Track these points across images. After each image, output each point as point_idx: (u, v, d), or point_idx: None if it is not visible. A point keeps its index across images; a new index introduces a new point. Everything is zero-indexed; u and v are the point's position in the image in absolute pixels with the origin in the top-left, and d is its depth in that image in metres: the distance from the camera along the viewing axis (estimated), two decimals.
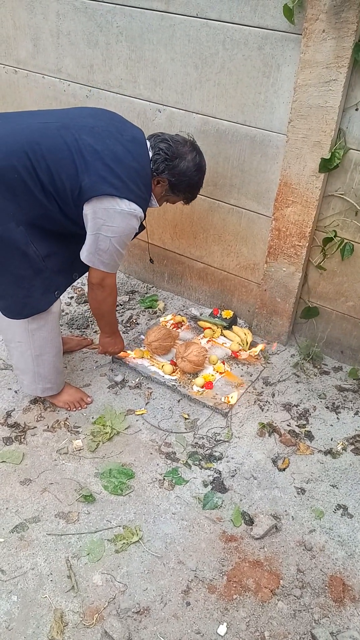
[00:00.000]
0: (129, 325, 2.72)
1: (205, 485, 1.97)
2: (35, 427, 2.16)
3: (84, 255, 1.83)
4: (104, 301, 1.99)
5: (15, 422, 2.17)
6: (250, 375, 2.42)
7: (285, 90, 2.02)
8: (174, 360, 2.40)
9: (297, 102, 1.96)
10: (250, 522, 1.85)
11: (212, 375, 2.36)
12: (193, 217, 2.56)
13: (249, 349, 2.52)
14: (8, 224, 1.71)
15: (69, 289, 2.90)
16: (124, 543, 1.77)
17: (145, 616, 1.60)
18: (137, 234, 1.91)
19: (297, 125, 2.00)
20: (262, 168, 2.23)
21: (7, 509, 1.86)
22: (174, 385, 2.32)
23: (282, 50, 1.95)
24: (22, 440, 2.10)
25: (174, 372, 2.37)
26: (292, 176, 2.11)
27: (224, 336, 2.59)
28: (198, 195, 2.44)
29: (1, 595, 1.62)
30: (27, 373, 2.10)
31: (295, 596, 1.67)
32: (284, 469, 2.03)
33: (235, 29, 2.00)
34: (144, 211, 1.84)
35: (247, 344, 2.52)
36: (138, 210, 1.78)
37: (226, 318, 2.64)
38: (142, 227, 1.94)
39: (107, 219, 1.74)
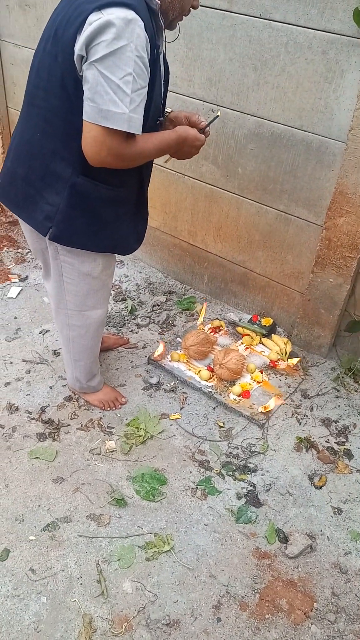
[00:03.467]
0: (165, 326, 2.69)
1: (239, 498, 1.93)
2: (69, 424, 2.14)
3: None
4: (133, 162, 1.49)
5: (49, 419, 2.15)
6: (289, 387, 2.36)
7: (347, 97, 1.95)
8: (211, 367, 2.36)
9: (359, 110, 1.90)
10: (284, 540, 1.80)
11: (250, 384, 2.31)
12: (239, 221, 2.51)
13: (287, 359, 2.46)
14: (73, 178, 1.54)
15: None
16: (155, 551, 1.74)
17: (175, 629, 1.56)
18: (161, 120, 1.60)
19: (358, 134, 1.94)
20: (316, 175, 2.16)
21: (39, 506, 1.85)
22: (210, 391, 2.28)
23: (347, 56, 1.88)
24: (55, 437, 2.08)
25: (210, 378, 2.33)
26: (348, 185, 2.04)
27: (263, 344, 2.54)
28: (245, 199, 2.41)
29: (30, 596, 1.61)
30: (69, 369, 2.14)
31: (329, 621, 1.61)
32: (320, 487, 1.97)
33: (300, 31, 1.94)
34: (143, 17, 1.31)
35: (286, 354, 2.46)
36: (117, 12, 1.26)
37: (265, 326, 2.58)
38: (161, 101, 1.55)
39: (83, 43, 1.29)
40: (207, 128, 1.71)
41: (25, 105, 1.58)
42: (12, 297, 2.79)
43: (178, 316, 2.75)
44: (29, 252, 3.15)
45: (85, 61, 1.32)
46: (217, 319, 2.70)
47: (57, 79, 1.41)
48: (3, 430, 2.09)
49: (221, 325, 2.62)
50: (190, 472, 2.00)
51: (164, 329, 2.67)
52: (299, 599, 1.65)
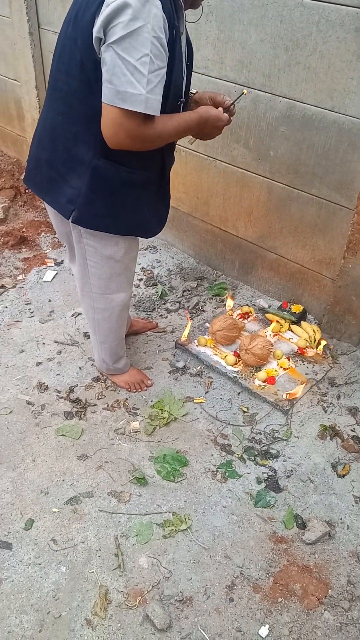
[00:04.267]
0: (194, 312, 2.70)
1: (259, 482, 1.93)
2: (96, 404, 2.20)
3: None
4: (152, 143, 1.49)
5: (77, 398, 2.22)
6: (316, 374, 2.33)
7: None
8: (238, 352, 2.36)
9: None
10: (302, 526, 1.80)
11: (276, 370, 2.29)
12: (269, 206, 2.48)
13: (316, 347, 2.42)
14: (94, 161, 1.55)
15: (138, 272, 2.91)
16: (172, 530, 1.77)
17: (188, 606, 1.59)
18: (183, 102, 1.58)
19: None
20: (348, 157, 2.10)
21: (63, 480, 1.91)
22: (236, 377, 2.28)
23: None
24: (82, 416, 2.15)
25: (236, 363, 2.33)
26: None
27: (292, 331, 2.51)
28: (276, 183, 2.38)
29: (51, 565, 1.68)
30: (96, 351, 2.20)
31: (343, 608, 1.60)
32: (343, 476, 1.95)
33: (332, 9, 1.89)
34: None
35: (315, 341, 2.43)
36: None
37: (295, 312, 2.55)
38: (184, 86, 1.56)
39: (101, 25, 1.31)
40: (232, 107, 1.69)
41: (48, 89, 1.62)
42: (47, 281, 2.87)
43: (208, 302, 2.76)
44: None
45: (103, 43, 1.34)
46: (246, 305, 2.69)
47: (77, 62, 1.44)
48: (33, 407, 2.17)
49: (250, 311, 2.61)
50: (212, 455, 2.02)
51: (193, 314, 2.68)
52: (313, 585, 1.65)
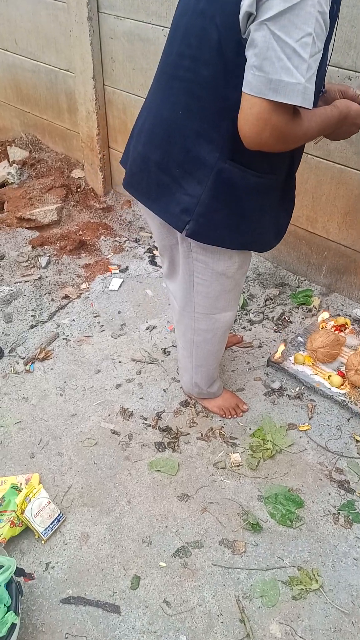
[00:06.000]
0: (280, 323, 2.44)
1: None
2: (188, 433, 1.96)
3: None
4: (295, 143, 1.22)
5: (166, 426, 1.98)
6: None
7: None
8: (342, 371, 2.10)
9: None
10: None
11: None
12: None
13: None
14: (219, 164, 1.31)
15: None
16: (301, 589, 1.53)
17: None
18: (322, 92, 1.34)
19: None
20: None
21: (166, 527, 1.68)
22: (344, 400, 2.02)
23: None
24: (175, 447, 1.91)
25: (342, 384, 2.07)
26: None
27: None
28: None
29: (168, 633, 1.45)
30: (187, 373, 1.94)
31: None
32: None
33: None
34: None
35: None
36: None
37: None
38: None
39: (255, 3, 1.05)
40: None
41: (162, 79, 1.36)
42: (114, 290, 2.63)
43: (294, 311, 2.50)
44: (126, 240, 2.97)
45: (254, 20, 1.07)
46: (338, 314, 2.43)
47: (213, 45, 1.18)
48: (119, 437, 1.94)
49: (346, 323, 2.34)
50: (329, 495, 1.77)
51: (280, 326, 2.42)
52: None
